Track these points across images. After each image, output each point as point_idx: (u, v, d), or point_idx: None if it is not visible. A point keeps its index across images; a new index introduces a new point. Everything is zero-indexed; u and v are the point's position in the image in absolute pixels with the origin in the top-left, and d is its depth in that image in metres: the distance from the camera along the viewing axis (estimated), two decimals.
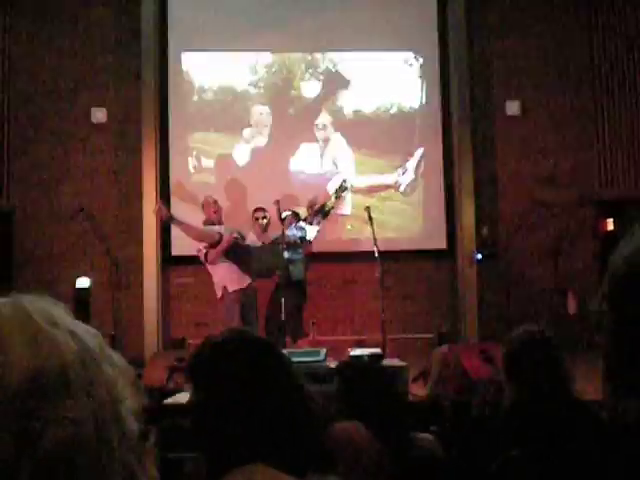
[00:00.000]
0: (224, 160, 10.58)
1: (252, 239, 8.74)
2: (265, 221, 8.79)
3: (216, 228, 8.51)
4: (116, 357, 0.92)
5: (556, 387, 2.81)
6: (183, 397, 5.40)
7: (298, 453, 1.65)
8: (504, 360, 3.04)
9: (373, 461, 1.94)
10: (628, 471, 1.04)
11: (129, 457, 0.87)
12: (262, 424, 1.67)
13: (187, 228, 8.37)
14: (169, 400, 5.34)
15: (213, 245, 8.33)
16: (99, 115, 10.24)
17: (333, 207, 9.27)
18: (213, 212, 8.68)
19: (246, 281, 8.45)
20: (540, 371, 2.85)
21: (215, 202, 8.78)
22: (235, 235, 8.49)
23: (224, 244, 8.32)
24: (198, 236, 8.40)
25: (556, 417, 2.62)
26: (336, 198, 9.32)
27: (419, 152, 10.68)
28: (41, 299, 0.89)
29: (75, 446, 0.81)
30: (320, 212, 9.06)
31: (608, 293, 1.09)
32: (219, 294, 8.45)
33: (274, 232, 8.78)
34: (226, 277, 8.41)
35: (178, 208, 9.86)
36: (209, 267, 8.52)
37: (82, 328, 0.89)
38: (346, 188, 9.44)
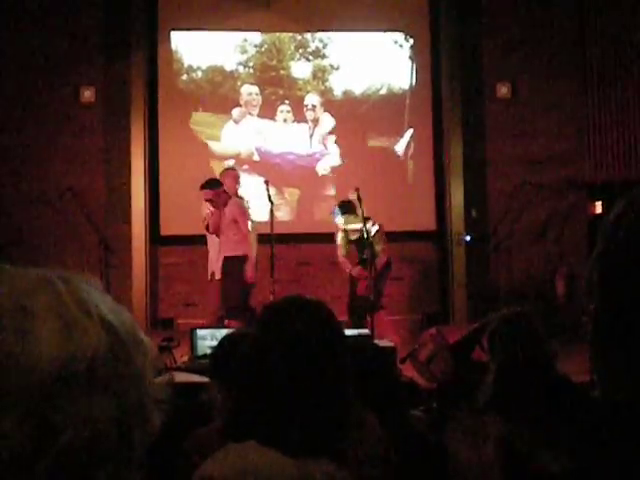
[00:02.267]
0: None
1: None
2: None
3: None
4: (147, 342, 0.87)
5: (536, 364, 2.86)
6: (175, 377, 5.39)
7: (302, 435, 1.65)
8: (487, 339, 3.11)
9: (381, 451, 1.95)
10: (619, 449, 1.05)
11: (143, 456, 0.84)
12: (287, 399, 1.66)
13: None
14: (160, 379, 5.35)
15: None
16: (87, 94, 10.17)
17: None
18: (236, 184, 8.51)
19: None
20: (519, 348, 2.91)
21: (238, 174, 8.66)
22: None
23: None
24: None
25: (537, 394, 2.67)
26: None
27: (409, 133, 10.67)
28: (75, 279, 0.84)
29: (95, 445, 0.77)
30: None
31: (594, 271, 1.10)
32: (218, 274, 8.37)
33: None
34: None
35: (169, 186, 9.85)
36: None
37: (116, 313, 0.84)
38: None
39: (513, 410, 2.66)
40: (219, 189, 8.27)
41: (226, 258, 8.18)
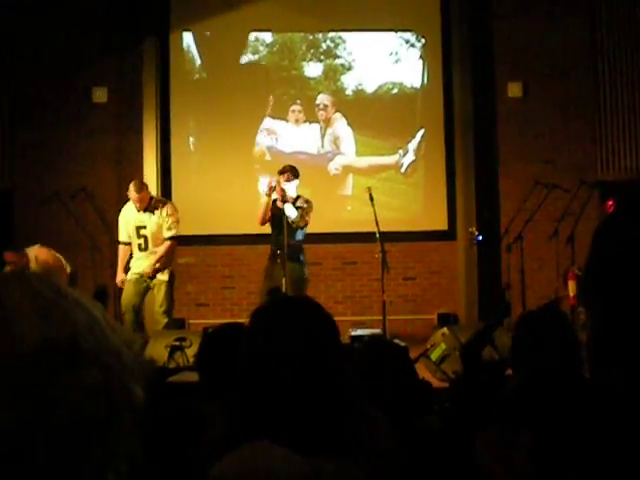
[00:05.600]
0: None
1: None
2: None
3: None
4: (119, 327, 0.93)
5: (569, 367, 2.74)
6: (188, 376, 5.41)
7: (314, 433, 1.66)
8: (516, 336, 2.93)
9: (391, 446, 1.95)
10: (618, 437, 1.06)
11: (134, 429, 0.88)
12: (290, 398, 1.67)
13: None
14: (173, 378, 5.38)
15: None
16: (100, 94, 10.20)
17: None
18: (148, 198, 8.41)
19: None
20: (557, 345, 2.76)
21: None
22: None
23: None
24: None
25: (567, 398, 2.58)
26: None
27: (420, 133, 10.67)
28: (42, 273, 0.90)
29: (88, 414, 0.82)
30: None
31: (590, 270, 1.11)
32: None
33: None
34: None
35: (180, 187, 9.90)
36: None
37: (87, 298, 0.91)
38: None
39: (541, 417, 2.57)
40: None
41: None
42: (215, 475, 1.64)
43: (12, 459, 0.79)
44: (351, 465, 1.66)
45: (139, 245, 8.38)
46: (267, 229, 8.83)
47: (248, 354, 1.77)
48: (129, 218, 8.40)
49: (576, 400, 2.44)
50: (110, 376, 0.85)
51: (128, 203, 8.41)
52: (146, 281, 8.31)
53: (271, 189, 8.12)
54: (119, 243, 8.55)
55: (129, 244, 8.46)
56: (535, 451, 2.40)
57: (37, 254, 7.19)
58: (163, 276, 8.36)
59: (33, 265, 7.54)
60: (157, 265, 8.27)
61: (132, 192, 8.21)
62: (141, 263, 8.35)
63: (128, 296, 8.30)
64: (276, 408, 1.68)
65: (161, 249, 8.31)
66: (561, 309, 3.08)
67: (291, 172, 8.31)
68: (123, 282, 8.35)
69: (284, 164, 8.55)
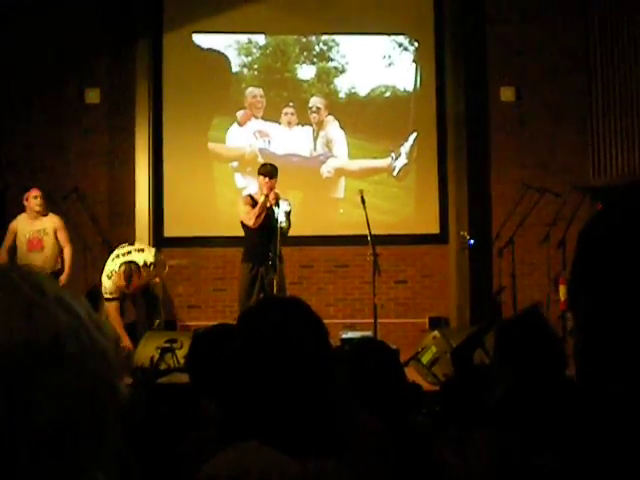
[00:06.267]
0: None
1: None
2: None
3: None
4: (103, 324, 0.90)
5: (551, 368, 2.75)
6: (178, 377, 5.41)
7: (303, 434, 1.66)
8: (498, 341, 2.94)
9: (381, 447, 1.95)
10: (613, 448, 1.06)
11: (119, 430, 0.87)
12: (279, 398, 1.67)
13: None
14: (163, 380, 5.37)
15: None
16: (92, 95, 10.19)
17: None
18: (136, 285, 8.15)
19: None
20: (537, 350, 2.77)
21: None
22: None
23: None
24: None
25: (553, 400, 2.59)
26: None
27: (412, 136, 10.67)
28: (26, 268, 0.88)
29: (73, 417, 0.80)
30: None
31: (576, 271, 1.11)
32: None
33: None
34: None
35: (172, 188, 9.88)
36: None
37: (69, 296, 0.88)
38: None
39: (524, 417, 2.58)
40: None
41: None
42: (205, 475, 1.64)
43: None
44: (340, 466, 1.66)
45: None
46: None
47: (237, 355, 1.77)
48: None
49: (561, 403, 2.45)
50: (95, 376, 0.83)
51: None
52: None
53: (269, 190, 8.07)
54: (107, 300, 8.19)
55: (119, 298, 8.26)
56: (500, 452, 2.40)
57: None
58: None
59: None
60: None
61: (121, 282, 8.06)
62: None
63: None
64: (265, 409, 1.68)
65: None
66: (538, 313, 3.06)
67: (276, 173, 8.28)
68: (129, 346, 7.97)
69: (276, 166, 8.52)
